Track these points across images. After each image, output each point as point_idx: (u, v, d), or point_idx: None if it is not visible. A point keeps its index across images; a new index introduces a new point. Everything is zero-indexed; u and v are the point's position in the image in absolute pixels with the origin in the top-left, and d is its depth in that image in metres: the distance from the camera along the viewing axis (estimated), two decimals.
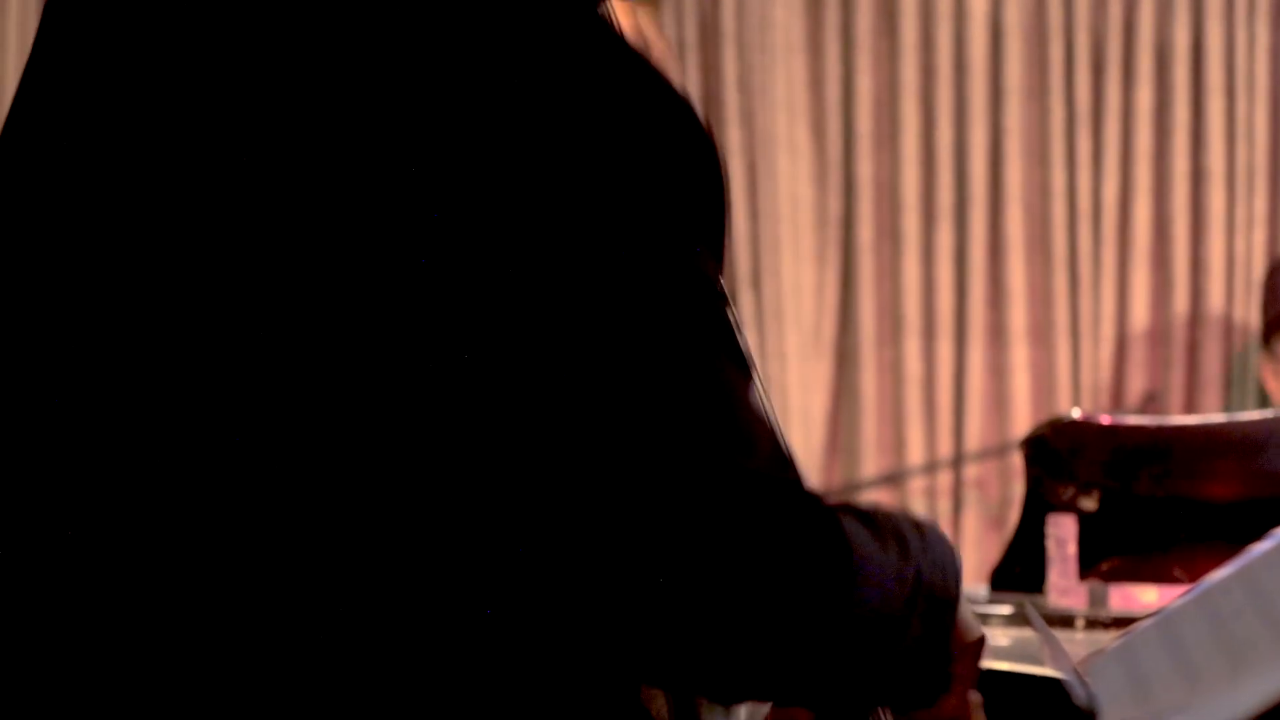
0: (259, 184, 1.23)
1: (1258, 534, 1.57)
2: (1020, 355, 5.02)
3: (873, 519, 1.35)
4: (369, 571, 1.23)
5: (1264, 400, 4.36)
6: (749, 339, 4.64)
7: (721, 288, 1.30)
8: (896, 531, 1.36)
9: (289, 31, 1.26)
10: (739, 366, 1.28)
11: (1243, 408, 4.63)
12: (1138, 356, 5.04)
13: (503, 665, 1.25)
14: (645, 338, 1.22)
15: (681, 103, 1.29)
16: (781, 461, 1.30)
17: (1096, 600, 2.92)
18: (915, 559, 1.35)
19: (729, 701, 1.46)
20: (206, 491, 1.23)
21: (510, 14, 1.26)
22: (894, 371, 5.06)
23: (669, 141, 1.27)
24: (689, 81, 5.00)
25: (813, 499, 1.30)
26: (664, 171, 1.25)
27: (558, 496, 1.21)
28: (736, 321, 1.57)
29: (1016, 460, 3.95)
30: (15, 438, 1.30)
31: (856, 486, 5.01)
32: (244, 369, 1.23)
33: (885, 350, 5.07)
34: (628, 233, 1.23)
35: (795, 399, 5.00)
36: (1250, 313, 5.02)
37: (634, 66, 1.28)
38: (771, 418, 1.58)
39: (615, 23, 1.35)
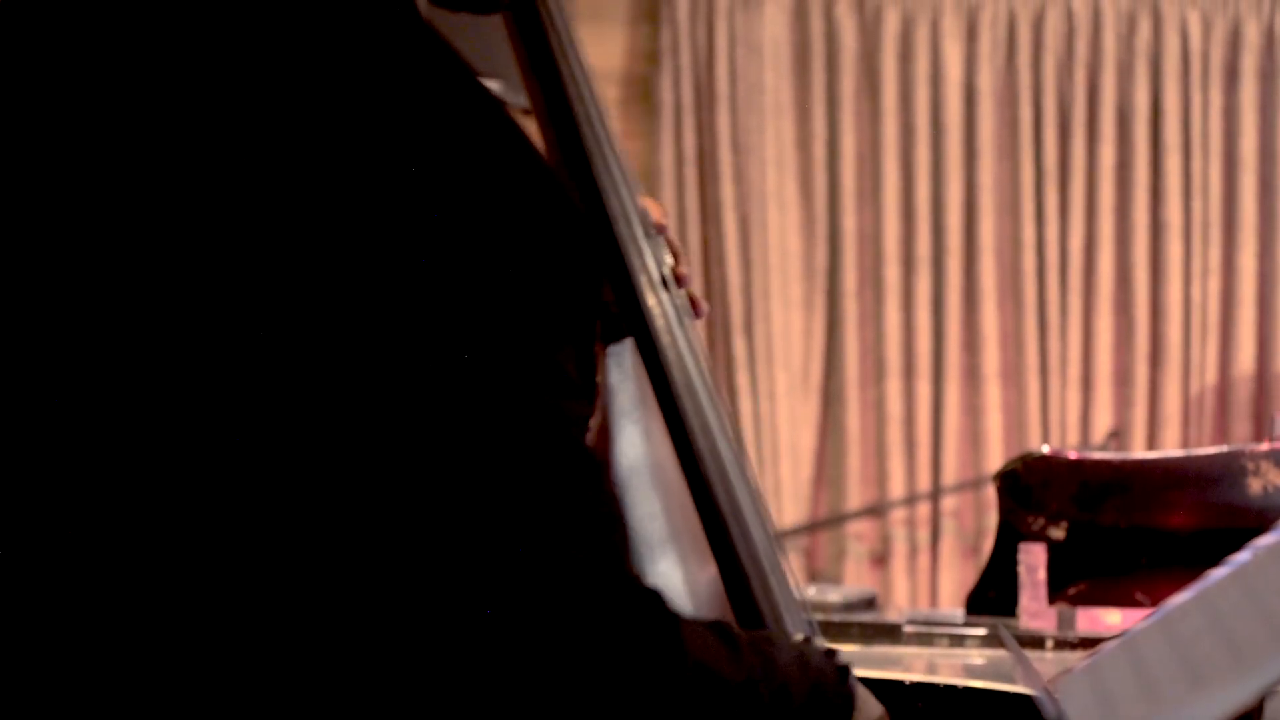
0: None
1: (1214, 561, 1.57)
2: (993, 395, 5.03)
3: (734, 639, 1.29)
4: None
5: None
6: (742, 380, 4.60)
7: (578, 382, 1.24)
8: (764, 654, 1.31)
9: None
10: (579, 465, 1.22)
11: None
12: (1102, 396, 5.05)
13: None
14: (487, 442, 1.18)
15: (543, 177, 1.24)
16: (615, 550, 1.24)
17: (1065, 623, 2.91)
18: (783, 677, 1.30)
19: None
20: (182, 491, 1.22)
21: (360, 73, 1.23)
22: (876, 410, 5.06)
23: (526, 237, 1.22)
24: (686, 142, 5.01)
25: (645, 595, 1.24)
26: (517, 265, 1.20)
27: (382, 582, 1.19)
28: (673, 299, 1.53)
29: (990, 493, 3.94)
30: (15, 438, 1.28)
31: (841, 517, 5.01)
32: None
33: (868, 390, 5.07)
34: (482, 335, 1.19)
35: (785, 435, 5.00)
36: (1206, 353, 5.02)
37: (489, 147, 1.23)
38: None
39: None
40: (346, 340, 1.18)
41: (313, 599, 1.21)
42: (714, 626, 1.29)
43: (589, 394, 1.27)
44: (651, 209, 1.62)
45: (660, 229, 1.61)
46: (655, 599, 1.23)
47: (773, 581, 1.52)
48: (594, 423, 1.25)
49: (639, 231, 1.56)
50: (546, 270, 1.22)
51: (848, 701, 1.37)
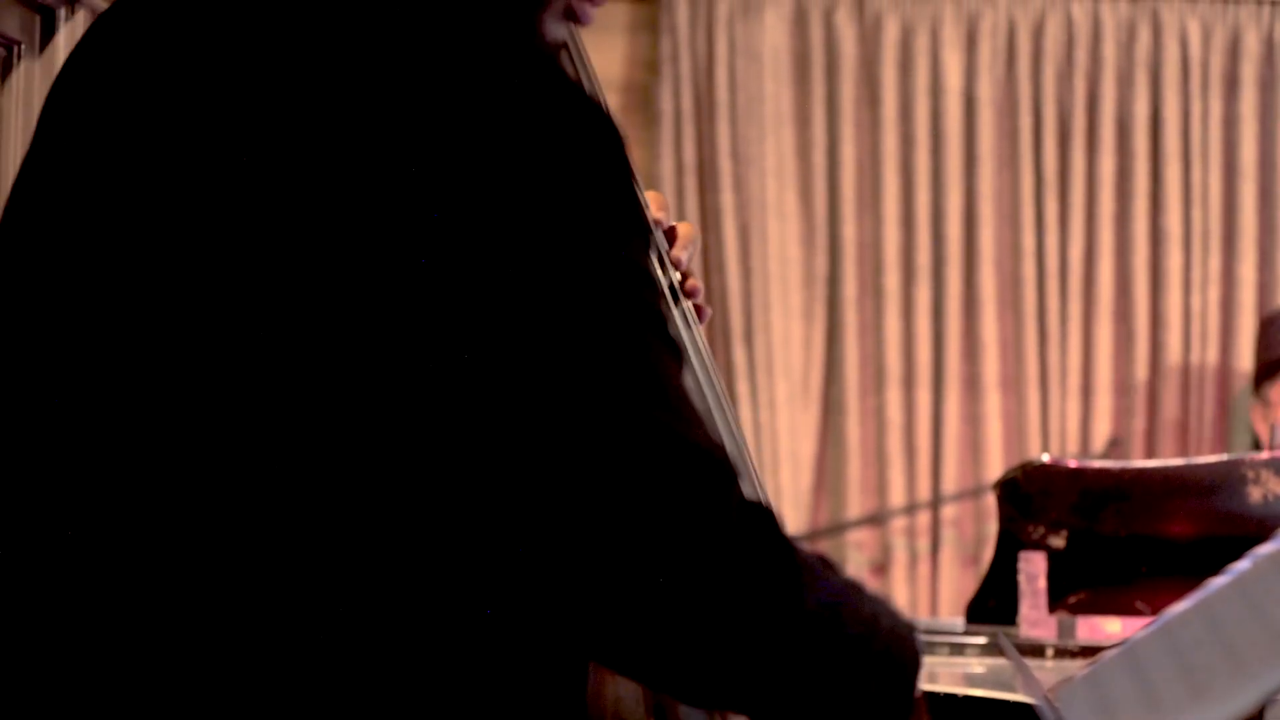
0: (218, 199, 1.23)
1: (1214, 569, 1.57)
2: (993, 404, 5.03)
3: (826, 560, 1.32)
4: (325, 567, 1.20)
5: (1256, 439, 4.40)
6: (742, 389, 4.61)
7: (654, 278, 1.26)
8: (852, 580, 1.33)
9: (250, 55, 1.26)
10: (669, 348, 1.23)
11: (1243, 444, 4.66)
12: (1102, 404, 5.05)
13: (437, 648, 1.22)
14: (578, 323, 1.19)
15: (597, 109, 1.27)
16: (714, 441, 1.23)
17: (1065, 631, 2.91)
18: (870, 603, 1.31)
19: (678, 695, 1.38)
20: (190, 491, 1.22)
21: (444, 35, 1.25)
22: (877, 419, 5.06)
23: (592, 150, 1.24)
24: (686, 150, 5.02)
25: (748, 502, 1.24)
26: (589, 176, 1.23)
27: (490, 474, 1.17)
28: (681, 309, 1.55)
29: (990, 501, 3.95)
30: (16, 439, 1.29)
31: (841, 526, 5.01)
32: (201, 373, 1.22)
33: (868, 399, 5.07)
34: (558, 231, 1.20)
35: (785, 444, 5.00)
36: (1206, 362, 5.02)
37: (553, 80, 1.26)
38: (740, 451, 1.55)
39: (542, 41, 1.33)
40: (413, 254, 1.19)
41: (353, 581, 1.21)
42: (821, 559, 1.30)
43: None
44: (652, 201, 1.63)
45: (662, 226, 1.63)
46: (747, 500, 1.23)
47: None
48: None
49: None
50: (603, 173, 1.24)
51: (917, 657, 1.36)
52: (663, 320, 1.24)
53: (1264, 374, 4.24)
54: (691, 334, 1.58)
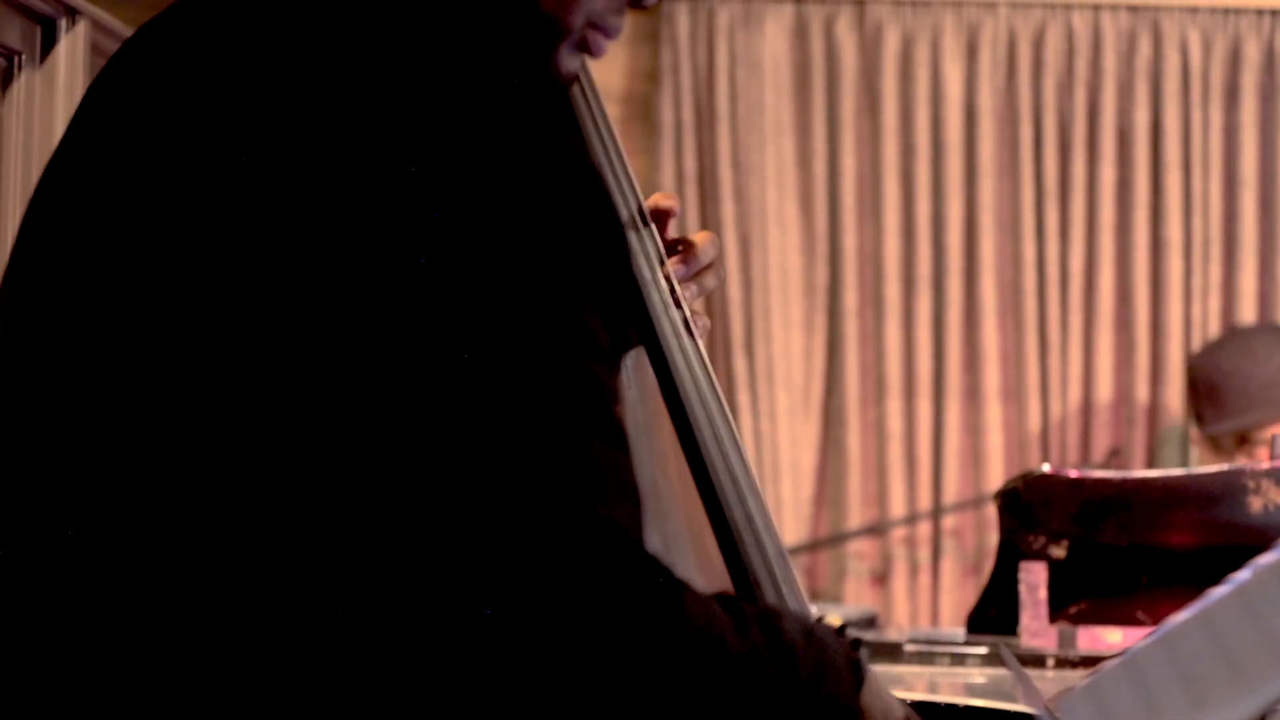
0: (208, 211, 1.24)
1: (1215, 579, 1.57)
2: (994, 414, 5.03)
3: (741, 611, 1.29)
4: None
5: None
6: (743, 399, 4.61)
7: (607, 349, 1.26)
8: (771, 627, 1.30)
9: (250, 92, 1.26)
10: (605, 430, 1.23)
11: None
12: (1103, 414, 5.05)
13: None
14: (515, 401, 1.19)
15: (580, 165, 1.27)
16: (634, 521, 1.24)
17: (1066, 641, 2.91)
18: (789, 649, 1.29)
19: None
20: (179, 494, 1.23)
21: (419, 76, 1.26)
22: (877, 429, 5.06)
23: (558, 207, 1.24)
24: (687, 161, 5.02)
25: (654, 565, 1.23)
26: (548, 234, 1.23)
27: (409, 542, 1.19)
28: (681, 316, 1.56)
29: (991, 512, 3.95)
30: (14, 440, 1.30)
31: (842, 536, 5.01)
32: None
33: (869, 409, 5.08)
34: (511, 297, 1.21)
35: (785, 455, 5.00)
36: None
37: (533, 131, 1.26)
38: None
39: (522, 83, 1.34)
40: (360, 309, 1.20)
41: (321, 593, 1.21)
42: (722, 599, 1.28)
43: (615, 363, 1.28)
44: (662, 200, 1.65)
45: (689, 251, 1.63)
46: (659, 567, 1.22)
47: (786, 593, 1.54)
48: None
49: (650, 246, 1.59)
50: (563, 229, 1.23)
51: (857, 674, 1.36)
52: (590, 383, 1.23)
53: (1217, 426, 4.27)
54: (695, 343, 1.58)
